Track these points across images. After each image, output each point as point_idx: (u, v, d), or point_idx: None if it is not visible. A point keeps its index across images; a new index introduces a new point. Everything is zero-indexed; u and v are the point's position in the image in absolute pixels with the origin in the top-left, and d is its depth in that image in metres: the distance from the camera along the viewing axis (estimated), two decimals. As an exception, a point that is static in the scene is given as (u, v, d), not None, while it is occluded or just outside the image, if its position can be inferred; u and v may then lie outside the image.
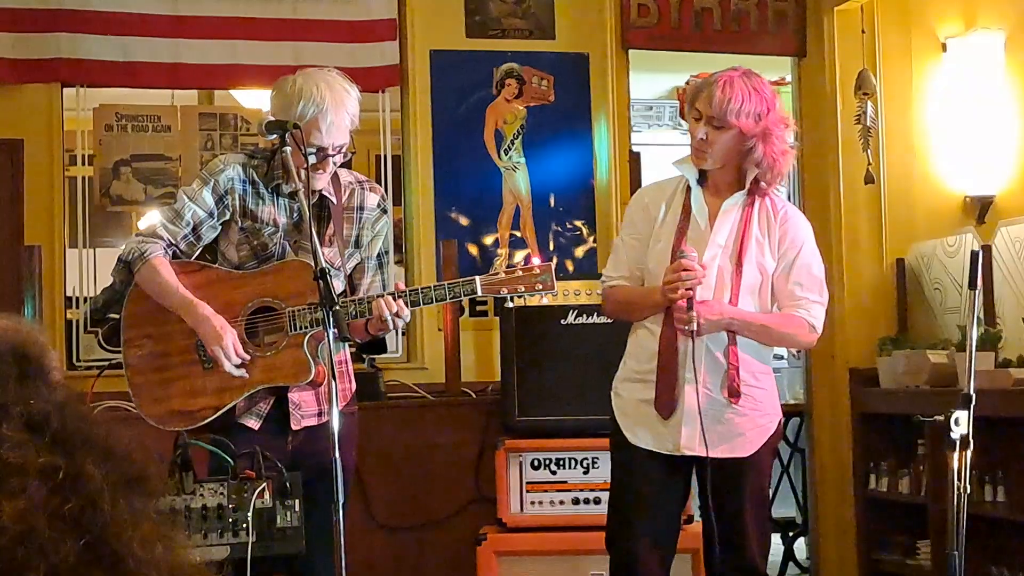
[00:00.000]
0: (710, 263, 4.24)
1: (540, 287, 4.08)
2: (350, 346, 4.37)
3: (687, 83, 4.11)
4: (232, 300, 4.12)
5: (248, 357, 4.06)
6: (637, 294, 4.36)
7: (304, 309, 4.04)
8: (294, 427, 4.17)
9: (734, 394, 4.25)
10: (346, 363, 4.36)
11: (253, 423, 4.13)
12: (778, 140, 4.22)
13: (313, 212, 4.03)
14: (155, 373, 4.15)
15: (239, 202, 4.21)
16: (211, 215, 4.20)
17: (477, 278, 4.08)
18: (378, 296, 4.05)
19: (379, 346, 4.88)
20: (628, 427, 4.34)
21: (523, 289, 4.07)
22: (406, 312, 4.02)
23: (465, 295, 4.11)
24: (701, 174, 4.33)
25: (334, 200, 4.27)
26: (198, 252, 4.27)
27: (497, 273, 4.14)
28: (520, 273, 4.09)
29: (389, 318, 3.99)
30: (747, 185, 4.29)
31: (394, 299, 4.01)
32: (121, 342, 4.24)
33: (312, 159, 4.05)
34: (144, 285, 4.16)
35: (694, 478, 4.45)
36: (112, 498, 1.31)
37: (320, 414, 4.22)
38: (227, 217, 4.22)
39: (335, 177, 4.30)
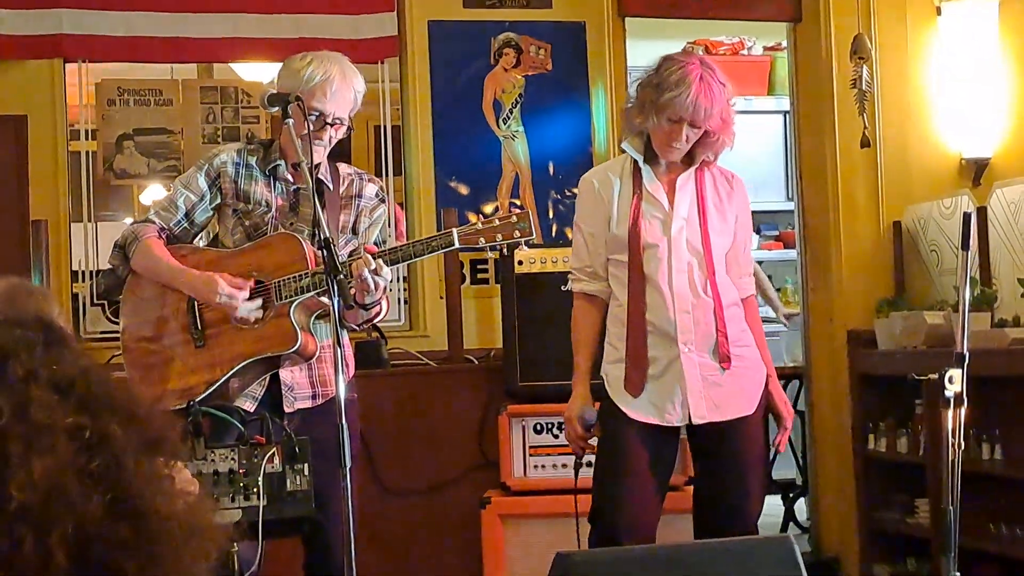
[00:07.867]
0: (677, 236, 4.31)
1: (519, 234, 3.94)
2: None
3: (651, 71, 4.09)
4: None
5: (252, 284, 4.07)
6: (578, 352, 4.44)
7: (289, 279, 4.03)
8: (287, 410, 4.17)
9: (724, 359, 4.34)
10: (345, 348, 4.34)
11: (249, 405, 4.13)
12: (733, 125, 4.34)
13: (309, 193, 4.02)
14: (150, 357, 4.19)
15: (231, 184, 4.25)
16: (203, 198, 4.26)
17: (454, 230, 3.95)
18: (356, 258, 3.96)
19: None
20: (623, 401, 4.37)
21: (501, 238, 3.93)
22: (385, 270, 3.88)
23: (443, 248, 4.00)
24: (647, 152, 4.38)
25: (331, 187, 4.28)
26: (193, 239, 4.33)
27: (474, 224, 4.01)
28: (497, 222, 3.96)
29: (368, 276, 3.85)
30: (697, 163, 4.37)
31: (373, 258, 3.89)
32: (120, 330, 4.31)
33: (311, 125, 4.07)
34: (138, 266, 4.21)
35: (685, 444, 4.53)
36: (135, 457, 1.37)
37: (314, 396, 4.25)
38: (219, 200, 4.27)
39: (334, 169, 4.33)
